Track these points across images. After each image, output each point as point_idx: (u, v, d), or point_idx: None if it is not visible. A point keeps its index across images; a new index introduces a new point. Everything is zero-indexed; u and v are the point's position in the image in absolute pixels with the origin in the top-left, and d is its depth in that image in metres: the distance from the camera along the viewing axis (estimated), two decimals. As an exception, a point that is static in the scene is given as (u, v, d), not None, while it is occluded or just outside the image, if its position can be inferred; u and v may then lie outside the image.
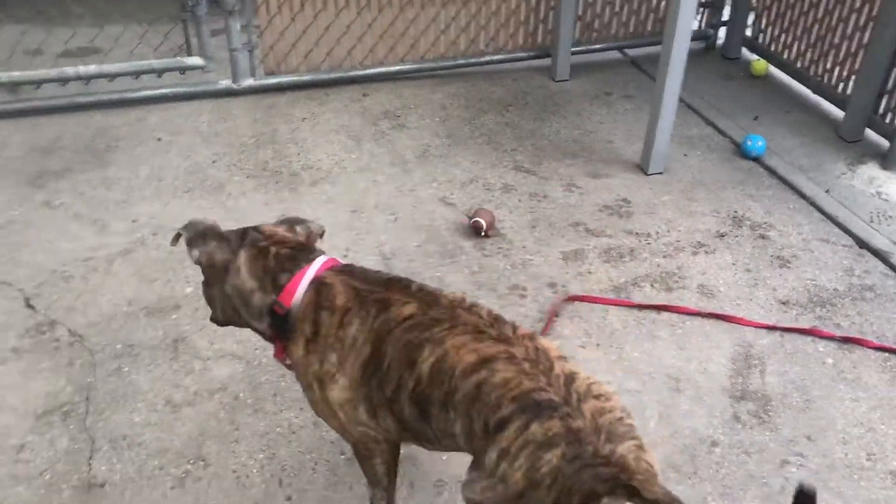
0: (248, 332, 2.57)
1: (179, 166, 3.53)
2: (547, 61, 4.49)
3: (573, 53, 4.43)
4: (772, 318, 2.78)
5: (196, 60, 3.99)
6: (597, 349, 2.62)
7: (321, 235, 2.06)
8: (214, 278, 1.93)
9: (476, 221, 3.10)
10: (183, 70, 4.01)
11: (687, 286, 2.91)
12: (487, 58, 4.44)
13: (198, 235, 1.90)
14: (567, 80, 4.42)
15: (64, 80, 3.86)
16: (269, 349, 2.55)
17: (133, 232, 3.10)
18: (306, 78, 4.18)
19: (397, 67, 4.31)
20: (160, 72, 3.97)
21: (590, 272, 2.97)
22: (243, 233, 1.90)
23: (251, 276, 1.84)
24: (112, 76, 3.93)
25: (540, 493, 1.46)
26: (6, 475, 2.15)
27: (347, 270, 1.85)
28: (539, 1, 4.40)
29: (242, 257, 1.86)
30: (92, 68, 3.88)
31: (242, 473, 2.19)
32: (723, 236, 3.18)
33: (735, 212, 3.33)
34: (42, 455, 2.22)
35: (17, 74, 3.78)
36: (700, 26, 4.81)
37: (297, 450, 2.26)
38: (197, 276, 2.86)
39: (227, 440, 2.27)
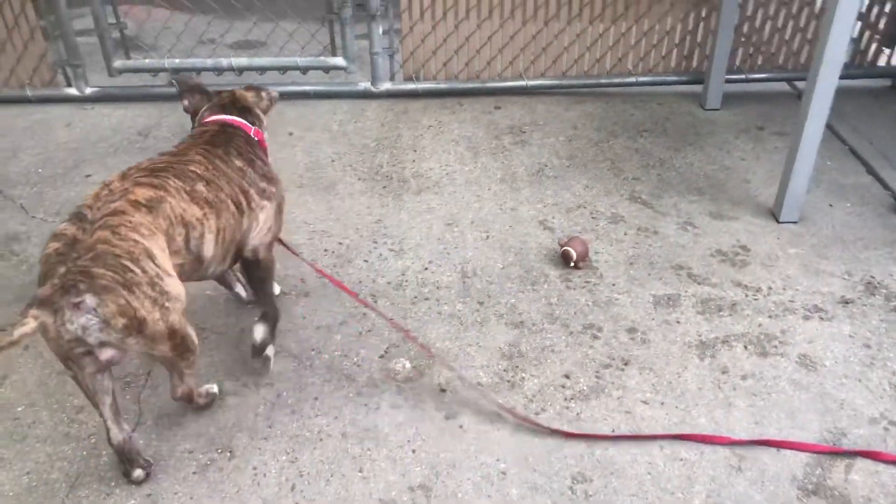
0: (308, 331, 2.62)
1: (300, 162, 3.66)
2: (699, 87, 4.18)
3: (730, 81, 4.09)
4: (881, 406, 2.39)
5: (339, 61, 4.12)
6: (660, 408, 2.39)
7: (271, 101, 2.77)
8: (194, 120, 2.62)
9: (566, 251, 2.94)
10: (327, 69, 4.16)
11: (786, 353, 2.57)
12: (633, 79, 4.21)
13: (188, 88, 2.63)
14: (717, 110, 4.09)
15: (219, 70, 4.14)
16: (323, 352, 2.57)
17: (239, 220, 3.26)
18: (442, 86, 4.19)
19: (536, 82, 4.20)
20: (304, 69, 4.15)
21: (678, 322, 2.71)
22: (218, 92, 2.65)
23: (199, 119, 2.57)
24: (262, 69, 4.16)
25: (40, 267, 1.94)
26: (62, 434, 2.33)
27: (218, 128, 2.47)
28: (698, 23, 4.11)
29: (207, 106, 2.58)
30: (243, 60, 4.13)
31: (261, 472, 2.22)
32: (847, 303, 2.79)
33: (871, 277, 2.91)
34: (95, 419, 2.38)
35: (177, 61, 4.11)
36: (889, 61, 4.26)
37: (318, 458, 2.25)
38: (277, 270, 2.97)
39: (258, 436, 2.31)
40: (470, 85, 4.19)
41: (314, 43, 4.22)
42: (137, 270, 1.90)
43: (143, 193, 2.05)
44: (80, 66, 4.07)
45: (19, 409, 2.41)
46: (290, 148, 3.77)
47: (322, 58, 4.13)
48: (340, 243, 3.12)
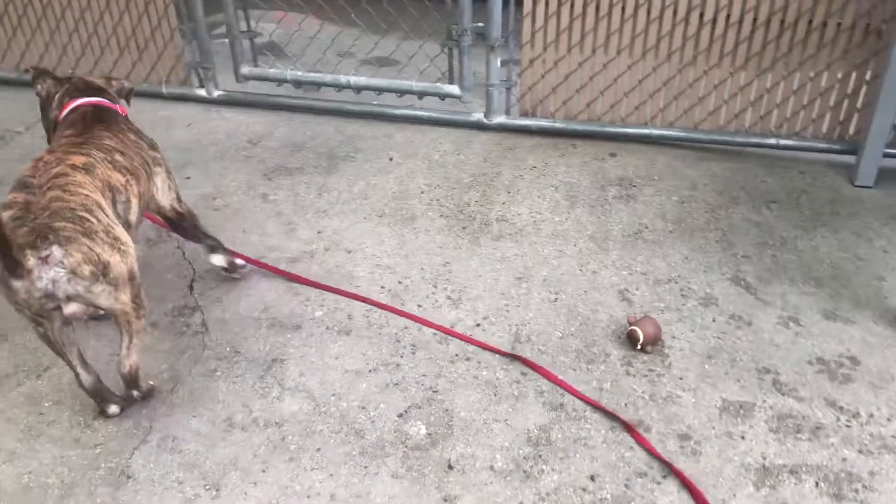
0: (336, 374, 2.49)
1: (390, 190, 3.56)
2: (851, 159, 3.63)
3: (891, 156, 3.53)
4: None
5: (454, 89, 3.99)
6: (689, 539, 2.04)
7: (128, 92, 2.85)
8: (46, 105, 2.70)
9: (633, 330, 2.61)
10: (442, 97, 4.04)
11: (867, 502, 2.12)
12: (774, 140, 3.74)
13: (41, 74, 2.70)
14: (868, 188, 3.53)
15: (339, 87, 4.14)
16: (343, 399, 2.42)
17: (311, 242, 3.20)
18: (558, 125, 3.93)
19: (661, 132, 3.84)
20: (420, 94, 4.05)
21: (743, 437, 2.32)
22: (68, 78, 2.71)
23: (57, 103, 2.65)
24: (379, 90, 4.11)
25: None
26: (72, 439, 2.35)
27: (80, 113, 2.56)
28: (860, 85, 3.57)
29: (61, 91, 2.65)
30: (361, 79, 4.10)
31: (237, 519, 2.12)
32: (967, 452, 2.27)
33: None
34: (107, 429, 2.38)
35: (300, 73, 4.15)
36: None
37: (299, 516, 2.12)
38: (328, 303, 2.86)
39: (249, 479, 2.21)
40: (588, 127, 3.91)
41: (433, 68, 4.11)
42: (93, 220, 2.10)
43: (78, 159, 2.27)
44: (210, 69, 4.22)
45: (46, 404, 2.47)
46: (384, 174, 3.67)
47: (438, 84, 4.01)
48: (400, 282, 2.97)
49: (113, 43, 4.30)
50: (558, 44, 3.76)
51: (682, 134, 3.83)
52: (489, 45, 3.79)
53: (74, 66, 4.40)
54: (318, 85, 4.17)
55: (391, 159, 3.80)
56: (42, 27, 4.33)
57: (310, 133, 4.04)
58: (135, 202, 2.41)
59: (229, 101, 4.28)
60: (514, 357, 2.60)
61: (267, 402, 2.47)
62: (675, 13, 3.60)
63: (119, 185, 2.34)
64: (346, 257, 3.12)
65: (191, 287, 2.97)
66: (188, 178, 3.65)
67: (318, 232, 3.27)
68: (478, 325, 2.76)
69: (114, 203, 2.29)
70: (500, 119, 3.99)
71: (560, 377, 2.51)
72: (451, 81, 4.01)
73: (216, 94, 4.28)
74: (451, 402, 2.45)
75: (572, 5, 3.66)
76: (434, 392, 2.49)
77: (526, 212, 3.39)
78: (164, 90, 4.32)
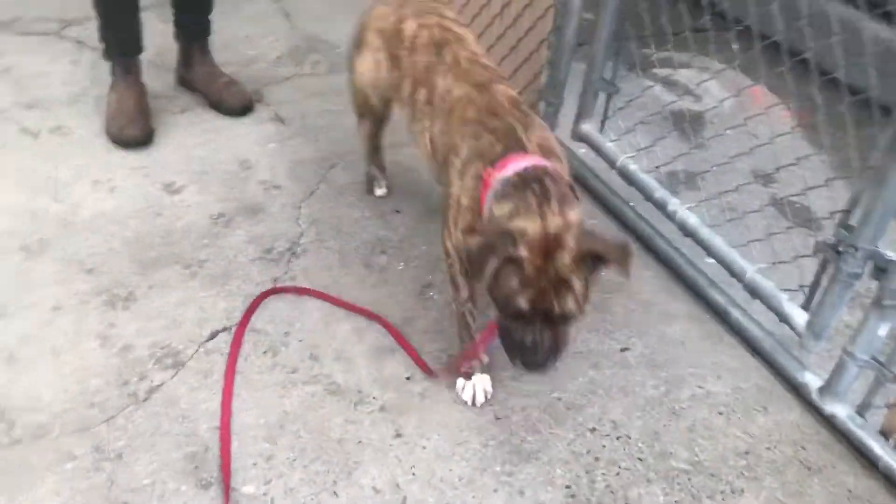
0: None
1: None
2: None
3: None
4: None
5: (798, 318, 2.28)
6: None
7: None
8: None
9: None
10: (780, 317, 2.37)
11: None
12: None
13: None
14: None
15: (664, 212, 2.76)
16: None
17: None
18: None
19: None
20: (750, 289, 2.44)
21: None
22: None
23: None
24: (707, 249, 2.62)
25: None
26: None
27: None
28: None
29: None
30: (693, 220, 2.64)
31: None
32: None
33: None
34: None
35: (632, 167, 2.85)
36: None
37: None
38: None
39: None
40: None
41: (794, 273, 2.43)
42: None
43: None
44: (554, 104, 3.17)
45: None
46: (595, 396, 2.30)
47: (783, 294, 2.36)
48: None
49: (496, 24, 3.52)
50: None
51: None
52: (880, 295, 2.04)
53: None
54: (647, 198, 2.84)
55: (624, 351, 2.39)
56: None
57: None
58: (415, 108, 2.36)
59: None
60: None
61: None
62: None
63: (423, 92, 2.31)
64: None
65: (212, 335, 2.21)
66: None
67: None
68: None
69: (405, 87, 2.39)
70: (839, 409, 2.20)
71: None
72: (804, 305, 2.33)
73: (545, 136, 3.25)
74: None
75: None
76: None
77: None
78: (506, 103, 3.43)
